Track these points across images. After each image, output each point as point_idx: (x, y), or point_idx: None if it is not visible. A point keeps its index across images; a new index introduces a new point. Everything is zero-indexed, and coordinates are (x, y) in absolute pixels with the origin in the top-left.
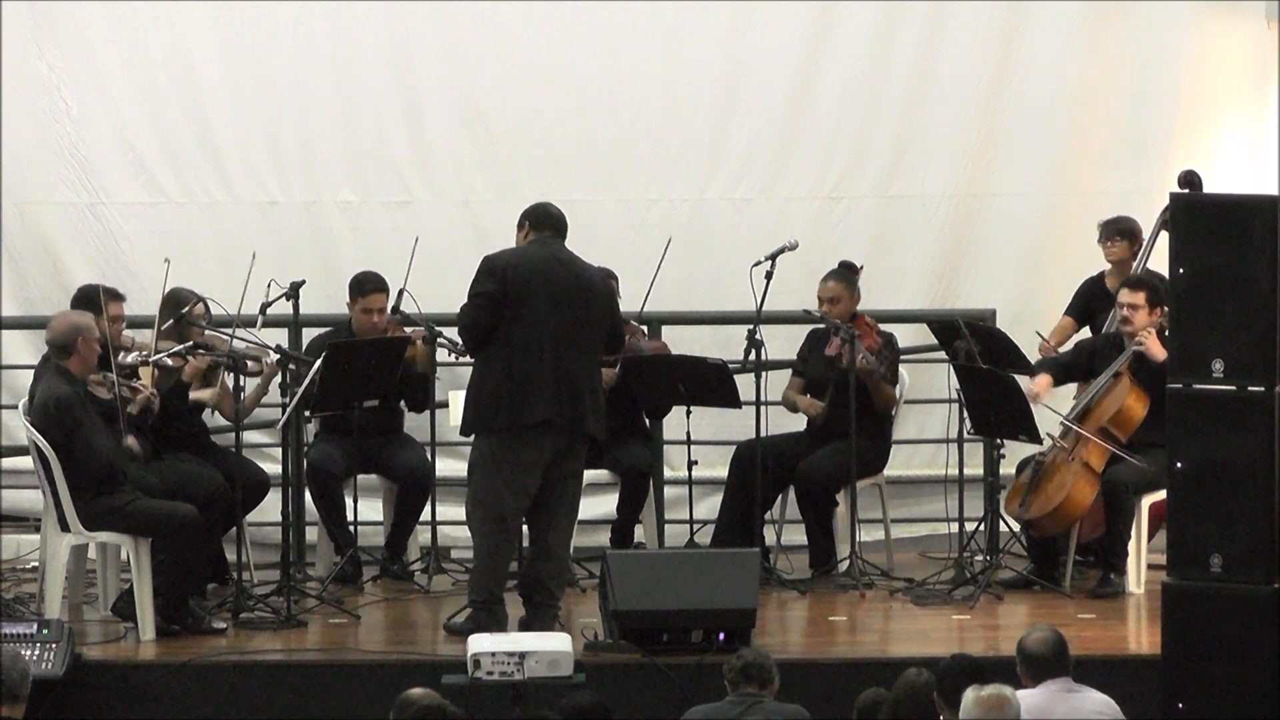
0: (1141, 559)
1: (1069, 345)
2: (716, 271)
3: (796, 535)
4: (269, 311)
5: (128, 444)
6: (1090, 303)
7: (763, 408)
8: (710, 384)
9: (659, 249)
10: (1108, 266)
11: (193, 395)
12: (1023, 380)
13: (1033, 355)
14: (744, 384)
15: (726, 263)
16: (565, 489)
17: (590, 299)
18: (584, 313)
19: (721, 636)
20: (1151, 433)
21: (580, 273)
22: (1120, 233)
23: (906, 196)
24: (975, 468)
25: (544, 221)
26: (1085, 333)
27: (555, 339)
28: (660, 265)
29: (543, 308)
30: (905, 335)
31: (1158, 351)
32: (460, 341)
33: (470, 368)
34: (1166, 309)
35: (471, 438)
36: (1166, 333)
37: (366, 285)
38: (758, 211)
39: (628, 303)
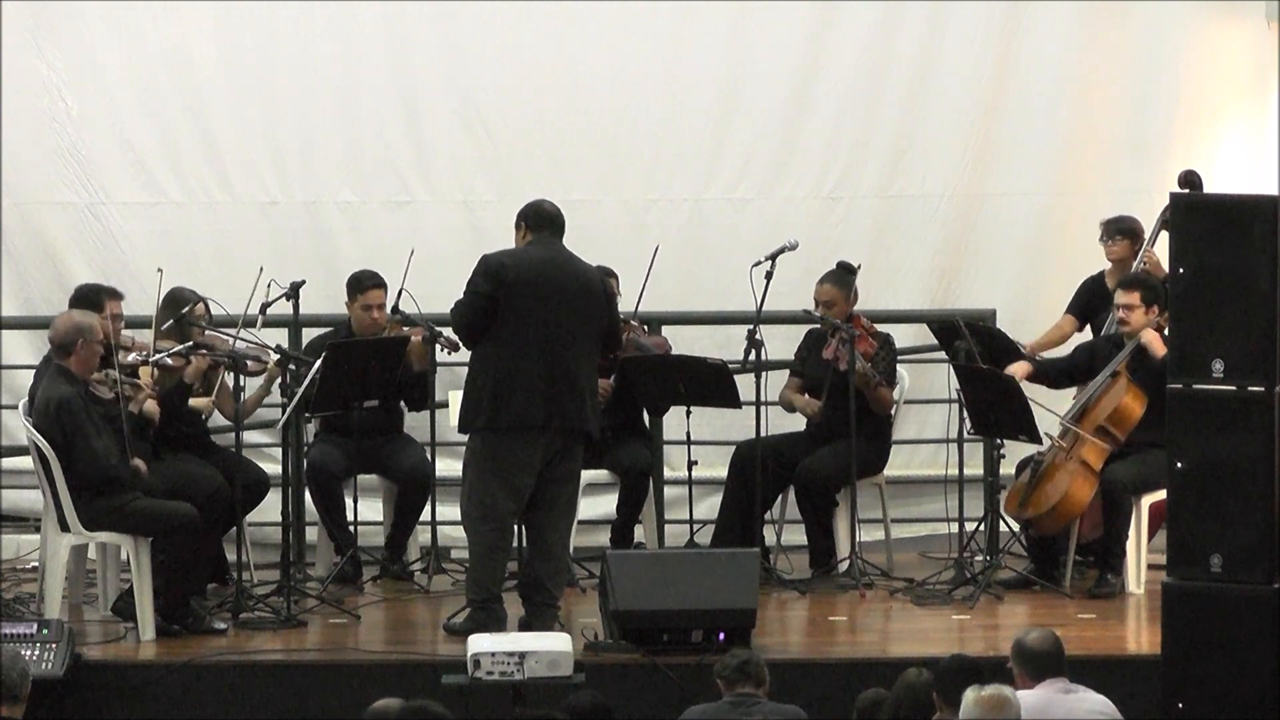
0: (1141, 559)
1: (1069, 346)
2: (716, 271)
3: (796, 535)
4: (269, 311)
5: (135, 464)
6: (1090, 302)
7: (763, 408)
8: (710, 384)
9: (660, 249)
10: (1108, 266)
11: (191, 403)
12: (1026, 385)
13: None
14: (744, 384)
15: (726, 263)
16: (562, 489)
17: (588, 299)
18: (582, 313)
19: (721, 636)
20: (1151, 432)
21: (578, 273)
22: (1121, 232)
23: (906, 196)
24: (975, 468)
25: (542, 222)
26: (1087, 333)
27: (552, 339)
28: (649, 273)
29: (540, 308)
30: (905, 335)
31: (1159, 347)
32: (456, 338)
33: (468, 366)
34: (1165, 309)
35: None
36: (1166, 332)
37: (365, 282)
38: (758, 211)
39: (625, 303)
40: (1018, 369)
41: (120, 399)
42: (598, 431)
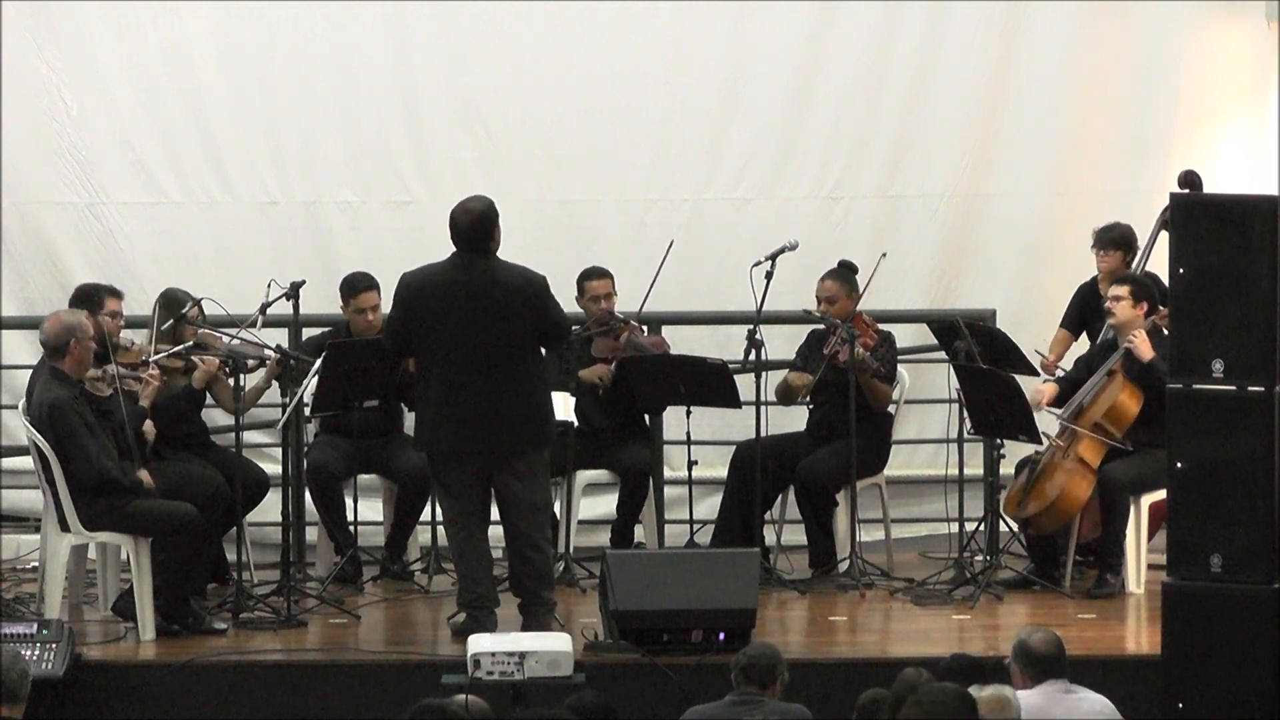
0: (1141, 559)
1: (1069, 359)
2: (716, 271)
3: (796, 535)
4: (269, 311)
5: (141, 475)
6: (1084, 311)
7: (763, 408)
8: (710, 384)
9: (659, 249)
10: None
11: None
12: (1026, 384)
13: (1033, 357)
14: (744, 384)
15: (726, 263)
16: (514, 495)
17: (506, 311)
18: (501, 327)
19: (721, 636)
20: (1149, 432)
21: (492, 287)
22: (1114, 242)
23: (906, 196)
24: (975, 468)
25: (456, 236)
26: (1084, 342)
27: (470, 364)
28: (660, 267)
29: (451, 335)
30: (905, 335)
31: (1145, 351)
32: None
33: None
34: (1161, 308)
35: None
36: (1165, 333)
37: (357, 285)
38: (758, 211)
39: (627, 303)
40: (1047, 391)
41: (119, 394)
42: (536, 445)
